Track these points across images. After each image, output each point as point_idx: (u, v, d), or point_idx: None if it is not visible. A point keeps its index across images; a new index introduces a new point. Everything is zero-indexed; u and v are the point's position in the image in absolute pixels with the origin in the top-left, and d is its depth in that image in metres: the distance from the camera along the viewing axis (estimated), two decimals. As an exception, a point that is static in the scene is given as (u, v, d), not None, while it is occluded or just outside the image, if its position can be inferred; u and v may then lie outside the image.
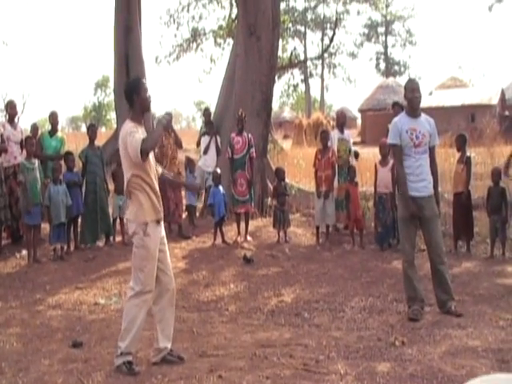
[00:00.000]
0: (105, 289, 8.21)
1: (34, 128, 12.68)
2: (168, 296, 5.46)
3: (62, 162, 10.49)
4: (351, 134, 13.87)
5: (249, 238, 10.91)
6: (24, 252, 9.83)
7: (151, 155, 5.36)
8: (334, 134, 11.58)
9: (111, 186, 10.97)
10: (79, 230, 10.51)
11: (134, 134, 5.15)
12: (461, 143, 10.10)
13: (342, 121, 12.02)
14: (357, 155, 11.42)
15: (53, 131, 11.47)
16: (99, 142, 14.97)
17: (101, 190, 10.50)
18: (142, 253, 5.25)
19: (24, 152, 10.14)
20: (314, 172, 11.20)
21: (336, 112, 15.28)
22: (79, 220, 10.47)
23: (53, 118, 11.57)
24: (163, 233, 5.48)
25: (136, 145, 5.08)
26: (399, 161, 6.93)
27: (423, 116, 7.03)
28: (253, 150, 11.05)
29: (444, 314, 6.76)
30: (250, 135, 11.09)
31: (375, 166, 10.78)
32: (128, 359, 5.24)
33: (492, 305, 7.10)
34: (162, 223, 5.48)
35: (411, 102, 6.91)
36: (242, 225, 10.95)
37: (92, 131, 10.84)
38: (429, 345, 5.79)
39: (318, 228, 11.02)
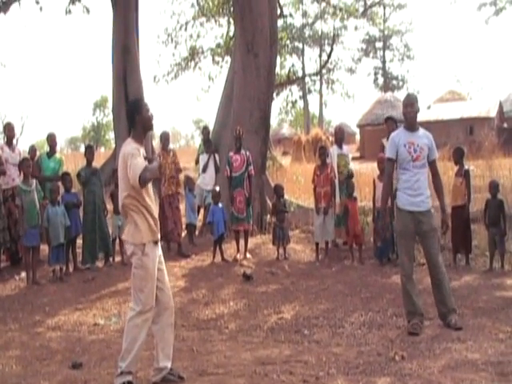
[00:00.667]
0: (104, 309, 8.20)
1: (32, 150, 12.70)
2: (167, 314, 5.45)
3: (60, 183, 10.50)
4: (350, 149, 13.90)
5: (248, 255, 10.90)
6: (23, 274, 9.82)
7: None
8: (333, 150, 11.60)
9: (110, 206, 10.98)
10: (79, 250, 10.51)
11: (136, 157, 5.15)
12: (458, 156, 10.11)
13: (340, 136, 12.02)
14: (352, 176, 11.38)
15: (51, 152, 11.51)
16: (98, 162, 15.04)
17: (100, 210, 10.51)
18: (141, 273, 5.25)
19: (21, 174, 10.15)
20: (313, 188, 11.21)
21: (334, 128, 15.29)
22: (77, 241, 10.47)
23: (51, 139, 11.62)
24: (160, 251, 5.49)
25: (137, 171, 5.08)
26: (387, 174, 7.02)
27: (421, 130, 7.07)
28: (251, 167, 11.08)
29: (445, 326, 6.75)
30: (248, 153, 11.13)
31: (374, 181, 10.80)
32: (128, 379, 5.23)
33: (491, 318, 7.09)
34: (159, 243, 5.49)
35: (406, 116, 6.97)
36: (242, 242, 10.95)
37: (89, 153, 10.85)
38: (428, 359, 5.78)
39: (317, 244, 11.01)
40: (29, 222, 9.60)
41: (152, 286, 5.27)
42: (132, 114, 5.38)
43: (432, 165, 7.02)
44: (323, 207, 10.86)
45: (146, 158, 5.25)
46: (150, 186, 5.38)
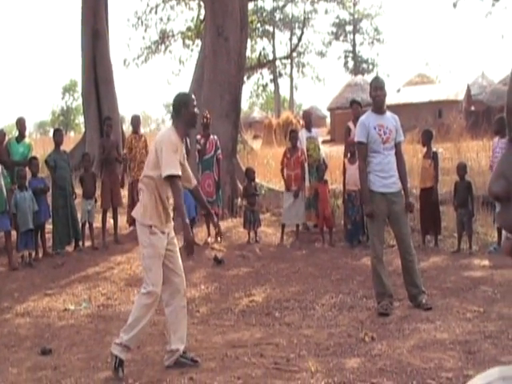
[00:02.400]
0: (74, 294, 8.15)
1: (1, 134, 12.52)
2: (179, 297, 5.42)
3: (28, 168, 10.38)
4: (320, 133, 13.93)
5: (208, 239, 10.88)
6: (-9, 260, 9.72)
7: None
8: (302, 134, 11.61)
9: (79, 191, 10.89)
10: (49, 235, 10.42)
11: (174, 153, 5.21)
12: (426, 139, 10.20)
13: (309, 120, 12.05)
14: (325, 166, 11.35)
15: (20, 137, 11.37)
16: (67, 146, 14.90)
17: (69, 195, 10.41)
18: (149, 251, 5.25)
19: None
20: (281, 169, 11.23)
21: (302, 112, 15.31)
22: (47, 226, 10.37)
23: (20, 123, 11.47)
24: (172, 233, 5.47)
25: (168, 168, 5.14)
26: (363, 159, 7.01)
27: (388, 113, 7.12)
28: (219, 151, 11.06)
29: (415, 307, 6.83)
30: (215, 137, 11.10)
31: (344, 163, 10.85)
32: (121, 357, 5.20)
33: (459, 298, 7.19)
34: (171, 225, 5.46)
35: (375, 100, 7.00)
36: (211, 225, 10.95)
37: (58, 136, 10.72)
38: (398, 339, 5.85)
39: (283, 226, 11.05)
40: (-4, 208, 9.47)
41: (159, 266, 5.25)
42: (179, 107, 5.38)
43: (397, 147, 7.06)
44: (294, 190, 10.89)
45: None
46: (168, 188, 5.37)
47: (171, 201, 5.48)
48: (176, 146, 5.26)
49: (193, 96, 5.58)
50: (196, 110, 5.47)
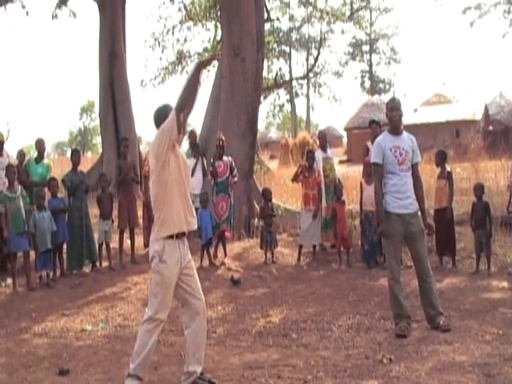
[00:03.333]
0: (92, 315, 8.16)
1: (21, 154, 12.64)
2: (199, 319, 5.36)
3: (47, 189, 10.45)
4: (336, 153, 13.94)
5: (225, 259, 10.87)
6: (9, 280, 9.75)
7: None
8: (318, 154, 11.64)
9: (96, 211, 10.95)
10: (65, 256, 10.46)
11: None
12: (440, 159, 10.17)
13: (324, 140, 12.10)
14: (341, 186, 11.35)
15: (39, 158, 11.47)
16: (85, 166, 15.00)
17: (85, 216, 10.46)
18: (157, 278, 5.18)
19: (6, 180, 10.05)
20: (292, 179, 11.37)
21: (318, 133, 15.34)
22: (64, 246, 10.42)
23: (39, 144, 11.57)
24: (189, 256, 5.38)
25: (170, 122, 5.05)
26: (379, 180, 7.00)
27: (405, 133, 7.10)
28: (235, 171, 11.10)
29: (433, 329, 6.77)
30: (230, 158, 11.13)
31: (361, 184, 10.84)
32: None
33: (478, 319, 7.13)
34: (185, 248, 5.36)
35: (391, 120, 6.98)
36: (228, 246, 10.97)
37: (75, 156, 10.79)
38: (416, 361, 5.80)
39: (300, 247, 11.05)
40: (15, 230, 9.52)
41: (166, 294, 5.18)
42: (159, 119, 5.25)
43: (414, 168, 7.03)
44: (313, 210, 10.91)
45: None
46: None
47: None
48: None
49: (171, 106, 5.35)
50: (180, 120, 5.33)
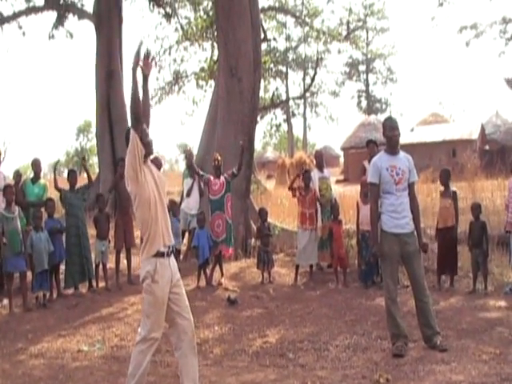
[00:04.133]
0: (88, 335, 8.14)
1: (18, 175, 12.65)
2: (187, 339, 5.33)
3: (43, 209, 10.45)
4: (333, 172, 13.98)
5: (222, 279, 10.85)
6: (5, 301, 9.71)
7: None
8: (315, 174, 11.68)
9: (93, 231, 10.94)
10: (63, 276, 10.44)
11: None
12: (445, 178, 10.17)
13: (320, 160, 12.16)
14: (337, 206, 11.38)
15: (35, 178, 11.48)
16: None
17: (82, 234, 10.46)
18: (149, 299, 5.18)
19: (3, 201, 10.06)
20: (289, 188, 11.47)
21: (314, 152, 15.38)
22: (61, 267, 10.41)
23: (35, 165, 11.59)
24: (178, 275, 5.38)
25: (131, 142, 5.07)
26: (375, 200, 7.04)
27: (401, 153, 7.12)
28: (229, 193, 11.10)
29: (430, 348, 6.77)
30: (227, 176, 11.14)
31: (357, 203, 10.86)
32: None
33: (475, 339, 7.12)
34: (175, 267, 5.37)
35: (390, 140, 6.99)
36: (225, 266, 10.95)
37: (72, 177, 10.80)
38: (413, 381, 5.79)
39: (297, 267, 11.05)
40: (12, 250, 9.51)
41: (159, 313, 5.19)
42: (127, 143, 5.24)
43: (411, 187, 7.06)
44: (309, 229, 10.93)
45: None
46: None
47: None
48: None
49: (144, 126, 5.29)
50: (149, 139, 5.32)
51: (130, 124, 5.40)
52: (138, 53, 5.23)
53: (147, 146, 5.25)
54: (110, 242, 11.06)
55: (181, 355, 5.35)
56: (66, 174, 11.55)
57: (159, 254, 5.18)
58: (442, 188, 10.28)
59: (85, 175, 11.58)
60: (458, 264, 10.24)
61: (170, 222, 5.43)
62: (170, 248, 5.32)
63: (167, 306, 5.25)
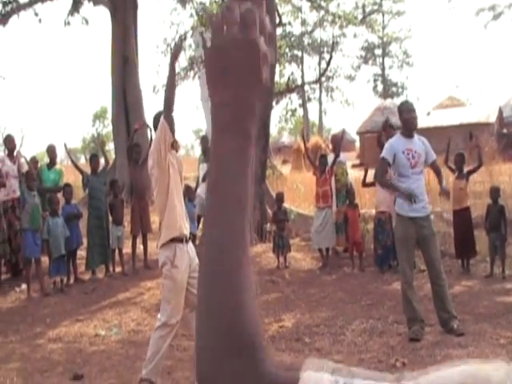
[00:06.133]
0: (105, 320, 8.19)
1: (34, 161, 12.73)
2: None
3: (60, 195, 10.53)
4: (348, 157, 13.93)
5: None
6: (23, 286, 9.81)
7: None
8: (330, 158, 11.63)
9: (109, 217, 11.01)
10: (80, 261, 10.52)
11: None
12: (460, 162, 10.14)
13: (337, 144, 12.08)
14: (353, 191, 11.36)
15: (51, 164, 11.54)
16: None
17: (105, 217, 10.55)
18: (169, 284, 5.23)
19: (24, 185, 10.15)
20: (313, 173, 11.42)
21: (331, 136, 15.31)
22: (78, 252, 10.48)
23: (51, 151, 11.66)
24: (197, 260, 5.39)
25: (160, 127, 5.13)
26: (381, 173, 7.03)
27: (416, 136, 7.08)
28: None
29: (446, 332, 6.75)
30: None
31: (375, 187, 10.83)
32: None
33: (492, 323, 7.09)
34: (193, 252, 5.42)
35: (407, 122, 6.94)
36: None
37: (94, 162, 10.95)
38: (429, 365, 5.68)
39: (320, 250, 11.01)
40: (31, 224, 9.61)
41: (179, 299, 5.23)
42: (155, 126, 5.38)
43: (433, 165, 7.09)
44: (323, 208, 10.91)
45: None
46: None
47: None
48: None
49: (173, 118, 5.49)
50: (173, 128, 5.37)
51: (146, 117, 5.52)
52: (180, 47, 5.34)
53: (174, 133, 5.31)
54: (124, 227, 11.12)
55: None
56: (82, 160, 11.61)
57: (177, 240, 5.21)
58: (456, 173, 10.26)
59: (101, 160, 11.61)
60: (476, 248, 10.19)
61: (185, 209, 5.45)
62: (188, 235, 5.35)
63: (187, 291, 5.28)
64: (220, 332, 0.84)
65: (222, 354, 0.82)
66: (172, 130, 5.20)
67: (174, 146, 5.73)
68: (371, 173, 11.44)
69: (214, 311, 0.86)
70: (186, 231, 5.34)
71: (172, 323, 5.21)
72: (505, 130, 40.84)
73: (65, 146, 11.61)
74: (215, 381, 0.82)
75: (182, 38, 6.88)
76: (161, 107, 5.32)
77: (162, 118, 5.12)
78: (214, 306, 0.86)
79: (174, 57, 5.35)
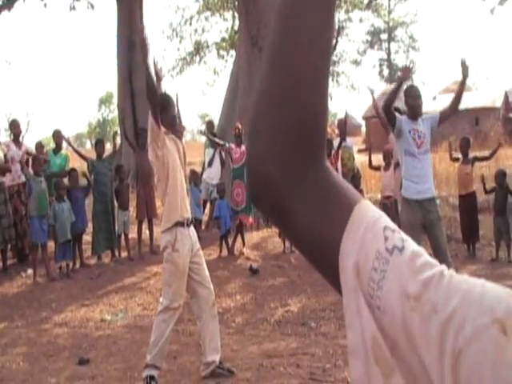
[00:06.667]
0: (111, 305, 8.22)
1: (40, 146, 12.72)
2: (209, 308, 5.40)
3: (66, 180, 10.53)
4: (354, 141, 13.89)
5: (244, 249, 10.87)
6: (30, 271, 9.83)
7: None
8: (336, 143, 11.59)
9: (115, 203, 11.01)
10: (86, 246, 10.54)
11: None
12: (465, 147, 10.10)
13: (343, 129, 12.04)
14: (359, 176, 11.35)
15: (57, 149, 11.54)
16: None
17: (110, 202, 10.55)
18: (170, 268, 5.24)
19: (31, 170, 10.14)
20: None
21: (337, 121, 15.26)
22: (84, 237, 10.49)
23: (57, 136, 11.63)
24: (198, 245, 5.44)
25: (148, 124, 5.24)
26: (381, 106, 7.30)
27: (419, 118, 7.09)
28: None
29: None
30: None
31: (380, 171, 10.81)
32: (151, 373, 5.19)
33: (498, 308, 7.07)
34: (195, 237, 5.44)
35: (413, 108, 6.94)
36: (246, 235, 10.94)
37: (99, 147, 10.96)
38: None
39: None
40: (38, 211, 9.62)
41: (181, 282, 5.23)
42: (159, 110, 5.38)
43: (442, 114, 7.17)
44: None
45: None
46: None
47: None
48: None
49: (172, 99, 5.54)
50: (175, 113, 5.50)
51: (165, 92, 5.59)
52: (144, 40, 5.39)
53: (172, 119, 5.43)
54: (130, 212, 11.13)
55: (203, 325, 5.40)
56: (88, 145, 11.63)
57: (178, 224, 5.21)
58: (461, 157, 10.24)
59: (107, 146, 11.62)
60: (481, 232, 10.18)
61: (186, 195, 5.48)
62: (189, 218, 5.36)
63: (188, 276, 5.28)
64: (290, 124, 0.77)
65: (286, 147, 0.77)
66: (170, 117, 5.39)
67: (178, 129, 5.75)
68: (376, 157, 11.48)
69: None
70: (187, 214, 5.34)
71: (174, 307, 5.20)
72: (510, 115, 40.68)
73: (64, 137, 11.59)
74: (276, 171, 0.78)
75: (143, 27, 6.63)
76: (166, 91, 5.34)
77: (149, 116, 5.23)
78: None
79: (144, 53, 5.38)
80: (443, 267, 0.70)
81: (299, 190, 0.77)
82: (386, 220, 0.75)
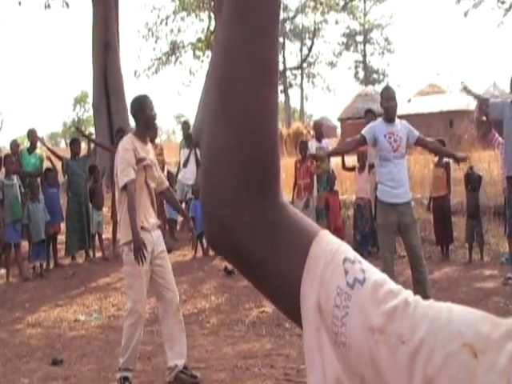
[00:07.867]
0: (85, 305, 8.17)
1: (15, 145, 12.62)
2: (173, 311, 5.35)
3: (40, 179, 10.45)
4: (330, 143, 13.93)
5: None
6: (2, 271, 9.75)
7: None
8: (312, 144, 11.61)
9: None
10: (61, 247, 10.47)
11: (128, 153, 5.14)
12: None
13: (320, 131, 12.06)
14: (334, 177, 11.36)
15: (32, 148, 11.45)
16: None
17: (84, 202, 10.47)
18: (129, 269, 5.20)
19: (3, 170, 10.07)
20: (294, 183, 11.22)
21: (313, 123, 15.30)
22: (58, 237, 10.42)
23: (32, 135, 11.55)
24: (162, 247, 5.38)
25: (121, 178, 5.09)
26: (351, 142, 7.27)
27: (397, 120, 7.11)
28: None
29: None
30: None
31: (355, 173, 10.86)
32: (124, 375, 5.17)
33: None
34: (159, 239, 5.39)
35: (387, 110, 6.96)
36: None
37: (75, 146, 10.84)
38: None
39: None
40: (12, 217, 9.53)
41: (141, 283, 5.17)
42: (135, 111, 5.35)
43: (420, 139, 7.08)
44: (304, 200, 10.89)
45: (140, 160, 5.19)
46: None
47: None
48: (131, 151, 5.17)
49: (149, 99, 5.42)
50: (153, 112, 5.39)
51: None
52: None
53: (148, 119, 5.36)
54: (104, 212, 11.08)
55: (165, 328, 5.37)
56: (62, 145, 11.54)
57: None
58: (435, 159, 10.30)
59: (82, 145, 11.52)
60: (455, 234, 10.27)
61: (153, 202, 5.42)
62: (151, 226, 5.28)
63: (152, 279, 5.25)
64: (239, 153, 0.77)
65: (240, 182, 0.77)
66: (151, 115, 5.32)
67: (153, 129, 5.70)
68: (351, 159, 11.54)
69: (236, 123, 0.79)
70: (149, 224, 5.27)
71: (138, 309, 5.15)
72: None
73: (38, 137, 11.48)
74: (230, 210, 0.77)
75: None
76: (142, 92, 5.32)
77: (123, 182, 5.09)
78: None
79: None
80: (407, 294, 0.69)
81: (255, 232, 0.76)
82: (345, 250, 0.73)
